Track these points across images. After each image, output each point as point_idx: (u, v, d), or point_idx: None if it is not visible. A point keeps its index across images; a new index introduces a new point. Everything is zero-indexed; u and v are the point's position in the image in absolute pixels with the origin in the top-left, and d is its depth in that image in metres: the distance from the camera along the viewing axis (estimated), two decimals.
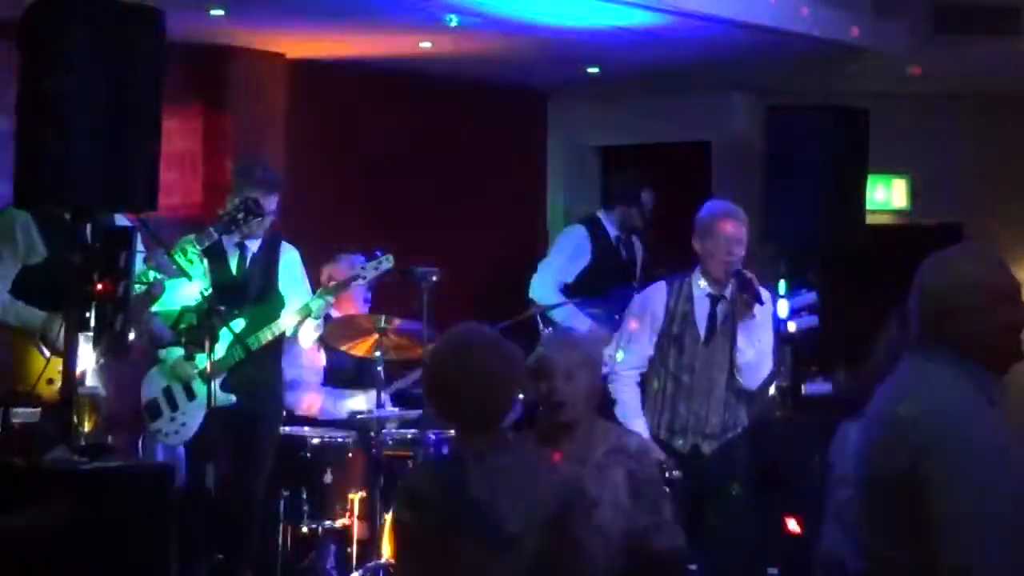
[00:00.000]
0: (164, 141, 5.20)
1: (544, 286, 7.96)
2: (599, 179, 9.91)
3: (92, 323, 5.01)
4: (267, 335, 6.42)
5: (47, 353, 5.45)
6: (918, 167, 9.46)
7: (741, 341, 5.97)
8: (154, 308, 6.04)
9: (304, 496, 6.53)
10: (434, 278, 6.61)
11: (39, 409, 5.31)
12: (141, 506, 4.94)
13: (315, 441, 6.68)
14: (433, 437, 6.80)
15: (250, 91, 8.04)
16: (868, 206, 7.25)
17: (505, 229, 9.40)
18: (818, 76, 8.62)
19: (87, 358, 5.13)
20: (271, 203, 6.44)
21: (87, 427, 5.13)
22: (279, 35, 7.72)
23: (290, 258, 6.65)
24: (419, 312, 6.54)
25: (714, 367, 6.00)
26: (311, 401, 7.17)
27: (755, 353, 5.99)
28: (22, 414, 5.36)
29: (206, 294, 5.93)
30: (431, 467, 4.69)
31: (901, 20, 8.32)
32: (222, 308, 6.01)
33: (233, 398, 6.29)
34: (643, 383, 6.07)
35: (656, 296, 6.08)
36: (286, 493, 6.55)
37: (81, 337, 5.06)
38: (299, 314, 6.45)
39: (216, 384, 6.23)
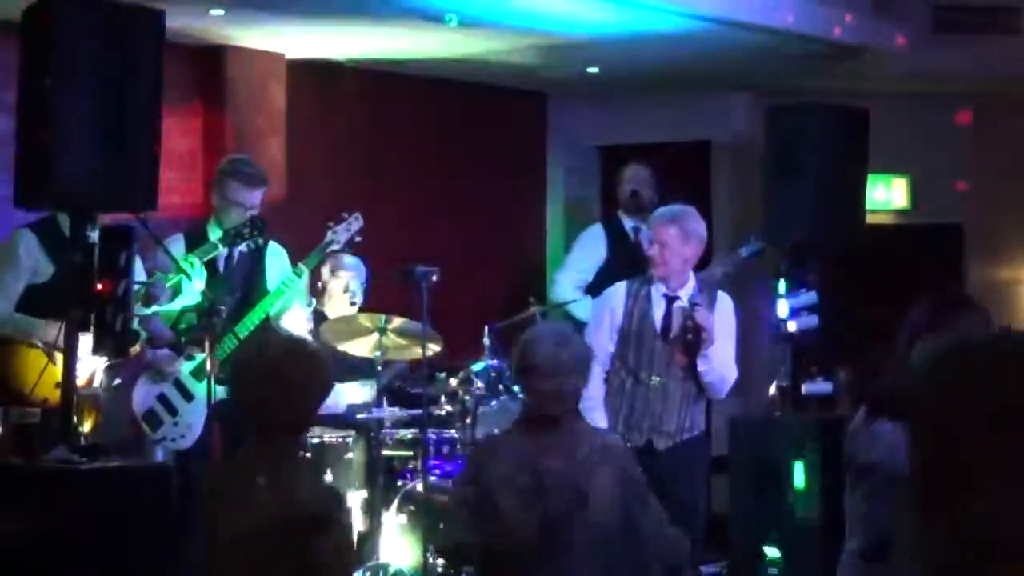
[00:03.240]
0: (164, 141, 5.20)
1: (563, 287, 8.03)
2: (599, 179, 9.91)
3: (92, 323, 5.01)
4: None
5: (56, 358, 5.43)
6: (918, 167, 9.46)
7: (700, 365, 6.06)
8: (154, 308, 6.03)
9: None
10: (434, 278, 6.60)
11: (39, 409, 5.30)
12: (141, 506, 4.94)
13: (315, 441, 6.67)
14: (433, 437, 6.80)
15: (250, 91, 8.04)
16: (868, 206, 7.25)
17: (505, 229, 9.40)
18: (818, 76, 8.62)
19: (95, 359, 5.13)
20: (255, 197, 6.43)
21: (87, 427, 5.12)
22: (279, 35, 7.72)
23: (277, 257, 6.62)
24: (419, 312, 6.53)
25: (672, 366, 6.08)
26: None
27: (713, 372, 6.08)
28: (22, 414, 5.36)
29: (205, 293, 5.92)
30: None
31: (901, 20, 8.32)
32: (223, 308, 6.00)
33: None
34: (607, 379, 6.15)
35: (615, 296, 6.19)
36: None
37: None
38: (280, 293, 6.41)
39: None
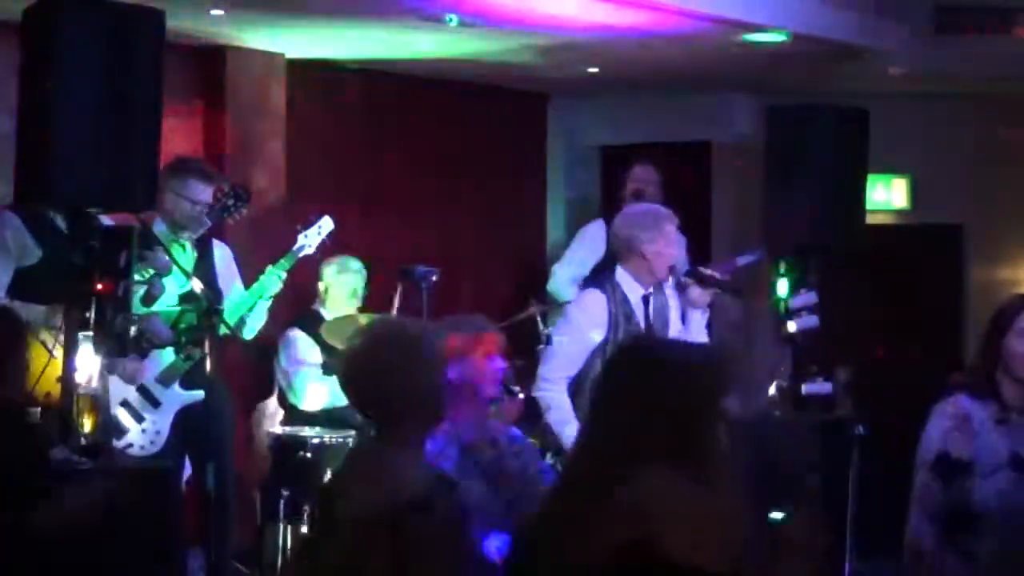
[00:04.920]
0: (164, 141, 5.20)
1: (560, 281, 7.99)
2: (599, 179, 9.91)
3: (92, 323, 5.01)
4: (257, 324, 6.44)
5: (55, 352, 5.42)
6: (918, 167, 9.46)
7: (694, 336, 6.08)
8: (154, 308, 6.03)
9: (304, 496, 6.51)
10: (434, 278, 6.61)
11: (39, 409, 5.30)
12: (142, 506, 4.94)
13: (315, 441, 6.68)
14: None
15: (250, 91, 8.04)
16: (868, 206, 7.25)
17: (505, 229, 9.40)
18: (818, 76, 8.62)
19: (92, 359, 5.12)
20: (206, 194, 6.37)
21: (87, 427, 5.12)
22: (279, 35, 7.72)
23: (222, 254, 6.59)
24: (419, 312, 6.54)
25: None
26: (316, 392, 7.14)
27: None
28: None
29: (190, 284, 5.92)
30: None
31: (901, 20, 8.32)
32: (221, 308, 5.99)
33: (201, 393, 6.10)
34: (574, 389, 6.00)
35: (597, 303, 5.99)
36: (286, 493, 6.54)
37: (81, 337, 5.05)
38: (256, 296, 6.40)
39: (176, 386, 6.24)
